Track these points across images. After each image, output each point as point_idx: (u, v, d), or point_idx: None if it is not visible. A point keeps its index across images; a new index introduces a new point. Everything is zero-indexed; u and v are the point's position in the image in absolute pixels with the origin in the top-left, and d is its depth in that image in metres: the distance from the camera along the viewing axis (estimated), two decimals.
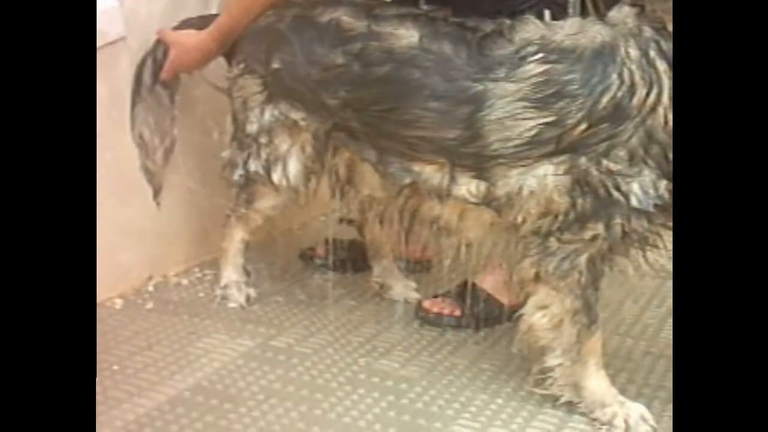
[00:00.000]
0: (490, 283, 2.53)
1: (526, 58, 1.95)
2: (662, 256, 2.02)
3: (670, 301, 2.80)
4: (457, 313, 2.54)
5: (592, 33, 1.94)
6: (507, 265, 2.17)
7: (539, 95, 1.92)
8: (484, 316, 2.53)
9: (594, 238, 1.94)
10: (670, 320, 2.68)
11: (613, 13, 1.98)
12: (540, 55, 1.94)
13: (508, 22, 2.04)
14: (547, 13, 2.23)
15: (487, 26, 2.05)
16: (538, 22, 2.04)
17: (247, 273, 2.71)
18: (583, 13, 2.29)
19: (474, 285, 2.54)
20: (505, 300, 2.50)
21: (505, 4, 2.25)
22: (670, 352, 2.46)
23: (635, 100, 1.86)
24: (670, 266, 1.99)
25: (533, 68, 1.93)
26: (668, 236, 1.97)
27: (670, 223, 1.95)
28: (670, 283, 2.88)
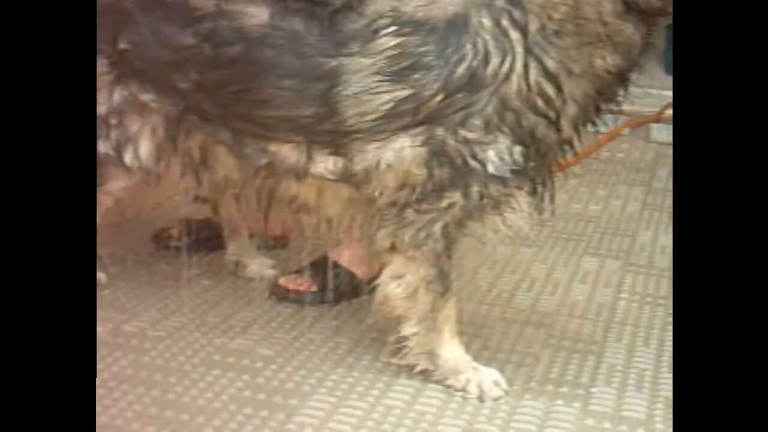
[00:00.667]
0: (346, 256, 2.52)
1: (378, 32, 1.93)
2: (519, 217, 2.05)
3: (523, 268, 2.87)
4: (314, 288, 2.52)
5: (444, 3, 1.94)
6: (364, 238, 2.16)
7: (394, 68, 1.91)
8: (342, 290, 2.52)
9: (450, 206, 1.96)
10: (524, 285, 2.75)
11: None
12: (393, 27, 1.93)
13: None
14: None
15: (337, 0, 2.01)
16: None
17: (98, 257, 2.60)
18: None
19: (330, 259, 2.52)
20: (362, 272, 2.50)
21: None
22: (523, 317, 2.53)
23: (489, 69, 1.88)
24: (526, 227, 2.05)
25: (387, 41, 1.92)
26: (523, 197, 2.01)
27: (525, 186, 1.99)
28: (524, 250, 2.96)
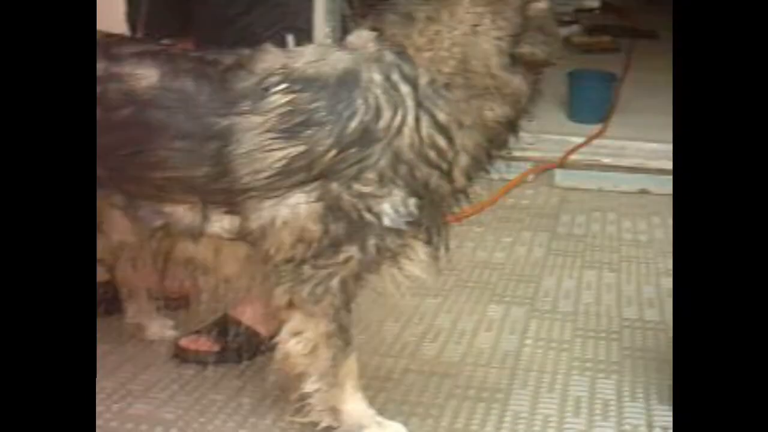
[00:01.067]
0: (248, 314, 2.48)
1: (269, 89, 1.93)
2: (416, 267, 2.05)
3: (429, 318, 2.86)
4: (216, 348, 2.47)
5: (334, 59, 1.95)
6: (263, 296, 2.13)
7: (286, 125, 1.90)
8: (244, 349, 2.48)
9: (347, 260, 1.95)
10: (429, 336, 2.74)
11: (353, 39, 2.00)
12: (283, 85, 1.93)
13: (248, 52, 2.01)
14: (290, 39, 2.23)
15: (227, 59, 2.00)
16: (277, 50, 2.02)
17: None
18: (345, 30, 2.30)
19: (232, 318, 2.48)
20: (264, 330, 2.46)
21: (247, 32, 2.23)
22: (428, 368, 2.52)
23: (381, 123, 1.89)
24: (424, 275, 2.05)
25: (278, 99, 1.92)
26: (419, 247, 2.01)
27: (422, 235, 1.99)
28: (429, 300, 2.96)
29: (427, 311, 2.91)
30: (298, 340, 2.03)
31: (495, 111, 1.95)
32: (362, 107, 1.90)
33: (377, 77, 1.91)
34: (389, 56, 1.93)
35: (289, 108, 1.91)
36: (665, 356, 2.59)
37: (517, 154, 2.12)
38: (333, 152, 1.89)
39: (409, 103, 1.91)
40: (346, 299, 2.02)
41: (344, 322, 2.04)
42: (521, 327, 2.84)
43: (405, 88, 1.91)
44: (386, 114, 1.90)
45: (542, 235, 3.69)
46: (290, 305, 2.01)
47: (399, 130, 1.90)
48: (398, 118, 1.90)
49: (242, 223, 1.97)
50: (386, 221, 1.92)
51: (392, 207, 1.92)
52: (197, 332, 2.53)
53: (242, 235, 1.99)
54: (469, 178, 2.03)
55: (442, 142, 1.92)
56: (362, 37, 1.99)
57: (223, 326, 2.48)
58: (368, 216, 1.91)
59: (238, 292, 2.21)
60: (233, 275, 2.12)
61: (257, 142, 1.91)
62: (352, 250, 1.94)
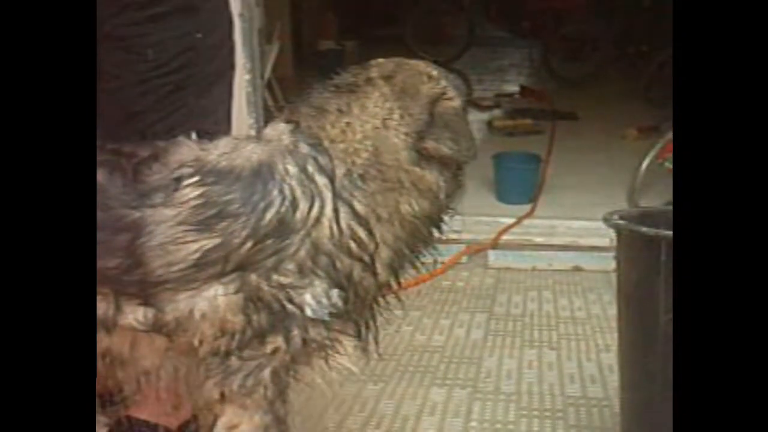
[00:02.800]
0: (150, 411, 2.37)
1: (181, 181, 1.88)
2: (344, 359, 1.98)
3: (371, 405, 2.79)
4: None
5: (248, 152, 1.91)
6: (189, 390, 2.03)
7: (199, 218, 1.85)
8: None
9: (275, 351, 1.88)
10: (373, 423, 2.66)
11: (268, 131, 1.97)
12: (195, 177, 1.88)
13: (162, 145, 1.96)
14: (193, 135, 2.17)
15: (144, 151, 1.95)
16: (192, 143, 1.97)
17: None
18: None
19: (134, 419, 2.36)
20: (170, 423, 2.36)
21: (148, 133, 2.17)
22: None
23: (298, 214, 1.85)
24: (353, 368, 1.98)
25: (190, 191, 1.87)
26: (348, 341, 1.95)
27: (349, 330, 1.94)
28: (371, 386, 2.89)
29: (369, 398, 2.83)
30: None
31: (412, 206, 1.91)
32: (278, 198, 1.85)
33: (292, 169, 1.88)
34: (304, 147, 1.90)
35: (202, 200, 1.86)
36: None
37: (450, 236, 2.09)
38: (249, 244, 1.84)
39: (327, 193, 1.87)
40: (280, 390, 1.94)
41: (280, 414, 1.95)
42: (465, 409, 2.78)
43: (321, 179, 1.87)
44: (303, 205, 1.85)
45: (480, 316, 3.66)
46: (222, 399, 1.92)
47: (317, 221, 1.86)
48: (315, 209, 1.85)
49: (157, 315, 1.89)
50: (308, 312, 1.86)
51: (314, 298, 1.86)
52: None
53: (157, 327, 1.90)
54: (394, 272, 1.98)
55: (361, 233, 1.88)
56: (277, 129, 1.96)
57: (125, 429, 2.35)
58: (290, 307, 1.85)
59: (159, 386, 2.11)
60: (153, 368, 2.02)
61: (170, 235, 1.85)
62: (277, 341, 1.87)
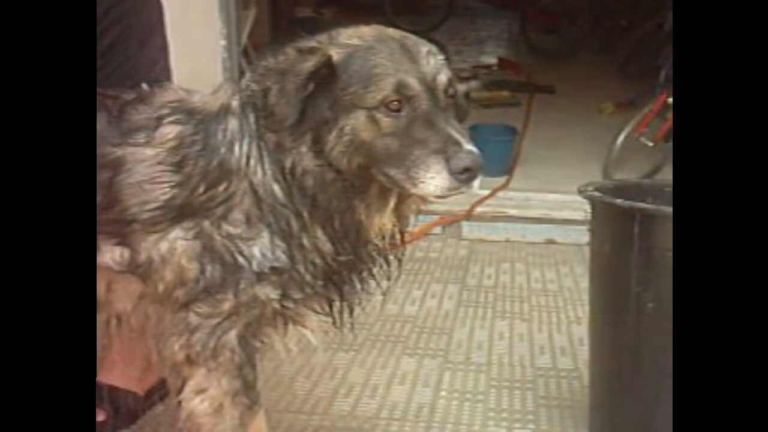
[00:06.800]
0: (117, 376, 2.36)
1: (162, 120, 1.86)
2: (308, 333, 1.96)
3: (341, 372, 2.78)
4: (101, 417, 2.32)
5: (220, 94, 1.88)
6: (157, 341, 2.00)
7: (174, 159, 1.83)
8: (123, 414, 2.34)
9: (232, 312, 1.85)
10: (342, 391, 2.65)
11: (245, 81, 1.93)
12: (173, 117, 1.86)
13: (149, 89, 1.95)
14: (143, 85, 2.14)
15: (128, 95, 1.93)
16: (179, 88, 1.95)
17: None
18: None
19: (101, 383, 2.34)
20: (139, 389, 2.35)
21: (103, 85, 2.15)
22: (342, 423, 2.44)
23: (234, 160, 1.82)
24: (314, 340, 1.95)
25: (168, 131, 1.85)
26: (313, 316, 1.93)
27: (313, 304, 1.91)
28: (341, 355, 2.88)
29: (339, 366, 2.82)
30: (202, 398, 1.91)
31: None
32: (224, 141, 1.83)
33: (236, 109, 1.85)
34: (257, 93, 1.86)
35: (177, 141, 1.84)
36: (580, 404, 2.56)
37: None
38: (201, 188, 1.82)
39: (254, 142, 1.83)
40: (248, 355, 1.92)
41: (249, 379, 1.93)
42: (435, 379, 2.77)
43: (252, 117, 1.84)
44: (237, 149, 1.83)
45: (452, 287, 3.65)
46: (189, 360, 1.90)
47: (249, 166, 1.83)
48: (246, 155, 1.83)
49: (132, 255, 1.87)
50: (254, 265, 1.83)
51: (260, 251, 1.84)
52: None
53: (132, 268, 1.88)
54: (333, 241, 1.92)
55: (283, 185, 1.84)
56: (226, 87, 1.94)
57: (97, 395, 2.33)
58: (241, 259, 1.83)
59: (130, 330, 2.08)
60: (125, 312, 2.00)
61: (147, 174, 1.83)
62: (228, 297, 1.85)
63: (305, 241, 1.84)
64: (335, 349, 2.89)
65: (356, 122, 1.72)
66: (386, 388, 2.70)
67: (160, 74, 2.26)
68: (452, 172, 1.67)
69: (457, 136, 1.70)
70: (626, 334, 2.17)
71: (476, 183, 1.69)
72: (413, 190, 1.71)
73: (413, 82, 1.72)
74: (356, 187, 1.79)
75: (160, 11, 2.33)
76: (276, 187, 1.81)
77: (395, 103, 1.71)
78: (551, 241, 4.26)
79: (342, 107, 1.73)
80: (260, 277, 1.82)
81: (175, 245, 1.83)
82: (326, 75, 1.74)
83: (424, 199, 1.84)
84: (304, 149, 1.77)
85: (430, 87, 1.73)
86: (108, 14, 2.15)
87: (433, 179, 1.68)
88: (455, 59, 8.94)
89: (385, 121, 1.72)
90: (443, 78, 1.76)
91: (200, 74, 2.58)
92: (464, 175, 1.67)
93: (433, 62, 1.76)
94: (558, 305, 3.46)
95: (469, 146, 1.68)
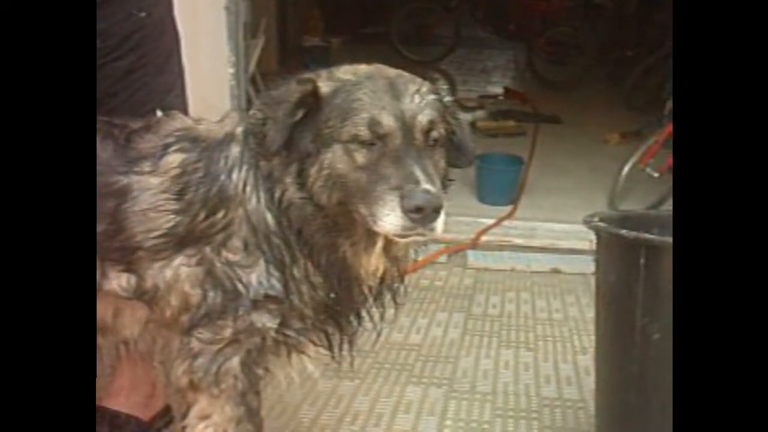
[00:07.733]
0: (123, 401, 2.36)
1: (168, 149, 1.88)
2: (308, 362, 1.97)
3: (346, 401, 2.77)
4: None
5: (226, 122, 1.91)
6: (164, 365, 2.01)
7: (177, 186, 1.85)
8: None
9: (234, 340, 1.86)
10: (347, 419, 2.65)
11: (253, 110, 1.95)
12: (178, 145, 1.88)
13: (157, 117, 1.97)
14: (158, 112, 2.16)
15: (135, 124, 1.96)
16: (185, 117, 1.98)
17: None
18: None
19: (105, 410, 2.35)
20: (144, 415, 2.35)
21: (114, 114, 2.17)
22: None
23: (232, 187, 1.84)
24: (315, 369, 1.96)
25: (173, 159, 1.87)
26: (312, 347, 1.93)
27: (312, 336, 1.92)
28: (347, 383, 2.87)
29: (345, 394, 2.81)
30: (206, 424, 1.92)
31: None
32: (224, 168, 1.85)
33: (240, 136, 1.87)
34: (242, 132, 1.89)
35: (180, 170, 1.86)
36: None
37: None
38: (202, 215, 1.84)
39: (251, 171, 1.85)
40: (251, 383, 1.93)
41: (253, 406, 1.94)
42: (440, 408, 2.77)
43: (249, 159, 1.85)
44: (235, 176, 1.85)
45: (457, 315, 3.65)
46: (192, 386, 1.91)
47: (246, 195, 1.84)
48: (242, 183, 1.84)
49: (138, 282, 1.89)
50: (251, 293, 1.84)
51: (257, 278, 1.85)
52: None
53: (138, 294, 1.90)
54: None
55: (273, 215, 1.85)
56: (232, 116, 1.97)
57: (102, 421, 2.34)
58: (239, 286, 1.84)
59: (138, 355, 2.09)
60: (132, 338, 2.01)
61: (152, 202, 1.86)
62: (228, 323, 1.86)
63: (296, 272, 1.85)
64: (340, 377, 2.88)
65: (333, 155, 1.73)
66: (391, 416, 2.69)
67: (175, 101, 2.28)
68: (405, 210, 1.62)
69: (418, 174, 1.65)
70: (632, 365, 2.17)
71: (437, 225, 1.64)
72: (375, 228, 1.69)
73: (387, 119, 1.71)
74: (340, 225, 1.78)
75: (176, 39, 2.36)
76: (268, 216, 1.83)
77: (369, 137, 1.71)
78: (557, 271, 4.26)
79: (322, 141, 1.74)
80: (256, 304, 1.84)
81: (179, 272, 1.85)
82: (312, 105, 1.76)
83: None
84: (289, 180, 1.79)
85: (407, 125, 1.71)
86: (128, 40, 2.17)
87: (388, 216, 1.64)
88: (462, 89, 8.99)
89: (359, 153, 1.71)
90: (423, 118, 1.73)
91: (208, 102, 2.61)
92: (417, 215, 1.61)
93: (417, 101, 1.75)
94: (563, 335, 3.45)
95: (426, 185, 1.63)
